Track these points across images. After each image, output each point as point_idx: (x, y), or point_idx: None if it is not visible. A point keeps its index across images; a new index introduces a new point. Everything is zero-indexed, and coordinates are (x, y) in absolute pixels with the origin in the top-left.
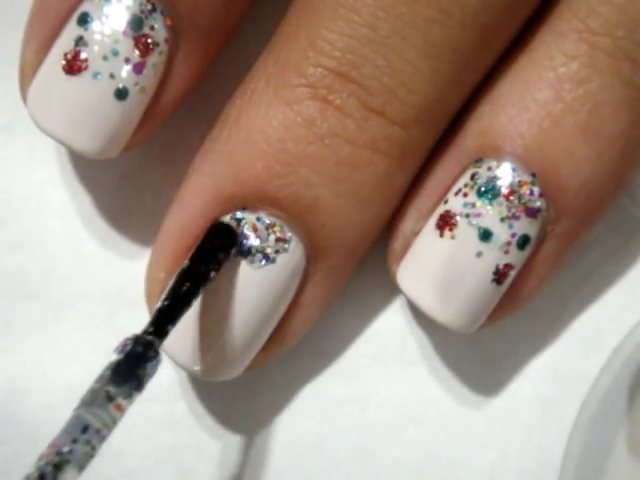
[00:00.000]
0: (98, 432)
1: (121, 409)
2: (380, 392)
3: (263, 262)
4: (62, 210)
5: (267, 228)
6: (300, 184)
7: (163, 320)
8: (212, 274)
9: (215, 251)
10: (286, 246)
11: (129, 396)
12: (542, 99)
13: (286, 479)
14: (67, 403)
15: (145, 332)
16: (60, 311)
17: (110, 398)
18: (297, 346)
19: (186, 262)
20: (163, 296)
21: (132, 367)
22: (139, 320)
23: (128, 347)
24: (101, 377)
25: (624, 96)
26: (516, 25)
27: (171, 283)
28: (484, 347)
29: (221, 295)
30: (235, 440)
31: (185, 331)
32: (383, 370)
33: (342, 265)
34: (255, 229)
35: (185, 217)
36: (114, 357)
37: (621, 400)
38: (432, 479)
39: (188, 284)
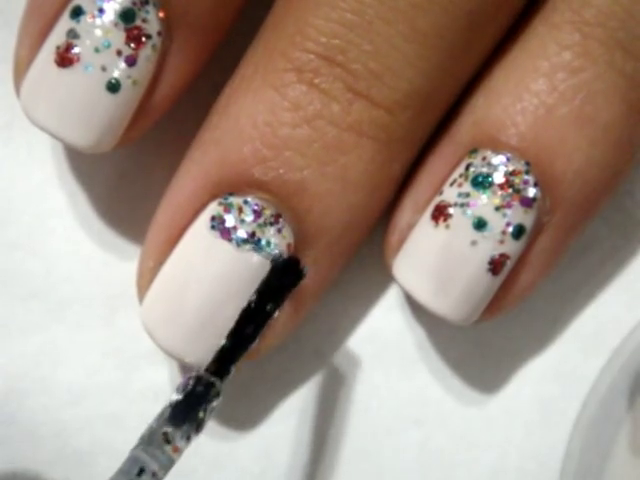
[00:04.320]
0: (154, 475)
1: (178, 451)
2: (380, 392)
3: (250, 246)
4: (62, 210)
5: (254, 212)
6: (286, 167)
7: (226, 360)
8: (276, 312)
9: (283, 289)
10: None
11: (187, 438)
12: (536, 89)
13: (286, 479)
14: (67, 403)
15: (207, 371)
16: (60, 311)
17: (168, 440)
18: (297, 346)
19: (252, 300)
20: (226, 334)
21: (192, 407)
22: (138, 320)
23: (189, 386)
24: (160, 415)
25: (617, 85)
26: (506, 15)
27: (235, 322)
28: (484, 347)
29: (205, 277)
30: (235, 440)
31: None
32: (383, 370)
33: (332, 252)
34: (241, 212)
35: (174, 205)
36: (175, 396)
37: (621, 400)
38: (433, 479)
39: (253, 324)
